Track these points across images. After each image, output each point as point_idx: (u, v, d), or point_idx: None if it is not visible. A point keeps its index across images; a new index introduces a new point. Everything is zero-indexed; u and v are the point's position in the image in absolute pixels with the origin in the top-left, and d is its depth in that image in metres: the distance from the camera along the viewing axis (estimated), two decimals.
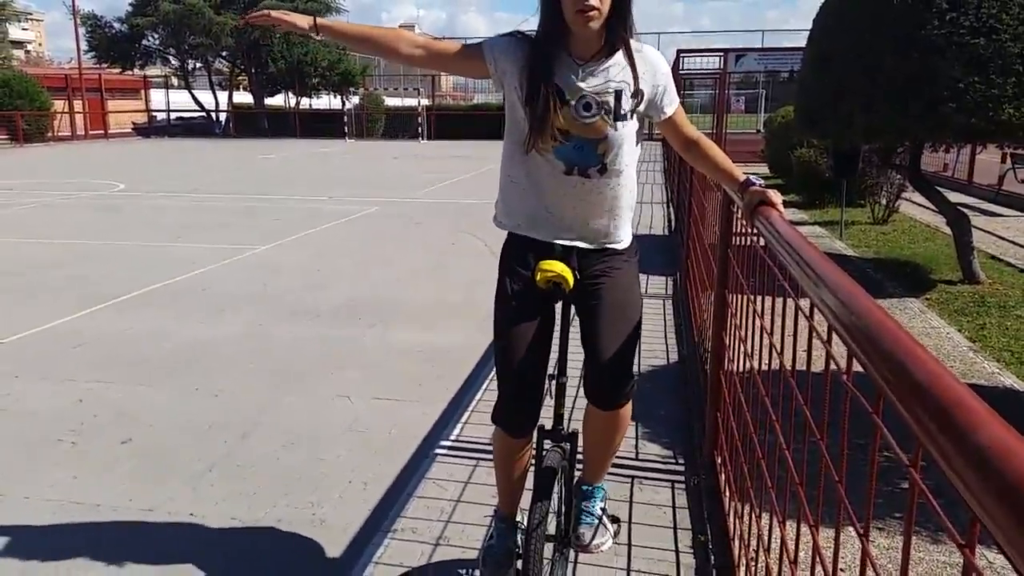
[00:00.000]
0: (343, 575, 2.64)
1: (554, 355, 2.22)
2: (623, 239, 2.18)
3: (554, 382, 2.21)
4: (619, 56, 1.97)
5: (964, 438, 0.61)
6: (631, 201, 2.16)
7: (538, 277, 2.04)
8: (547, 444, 2.25)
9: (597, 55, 1.96)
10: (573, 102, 1.95)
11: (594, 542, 2.29)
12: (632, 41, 1.98)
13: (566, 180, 2.02)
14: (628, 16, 1.94)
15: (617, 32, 1.93)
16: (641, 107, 2.03)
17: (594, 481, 2.40)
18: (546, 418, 2.25)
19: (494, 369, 4.42)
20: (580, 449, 2.36)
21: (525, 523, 2.09)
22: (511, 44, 2.00)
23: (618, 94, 1.97)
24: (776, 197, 1.99)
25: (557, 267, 2.03)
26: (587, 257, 2.13)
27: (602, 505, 2.39)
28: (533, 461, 2.27)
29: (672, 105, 2.10)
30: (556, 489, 2.16)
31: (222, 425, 3.88)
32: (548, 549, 2.19)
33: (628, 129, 2.02)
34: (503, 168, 2.15)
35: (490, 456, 3.18)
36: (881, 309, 1.01)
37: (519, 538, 2.20)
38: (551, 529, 2.22)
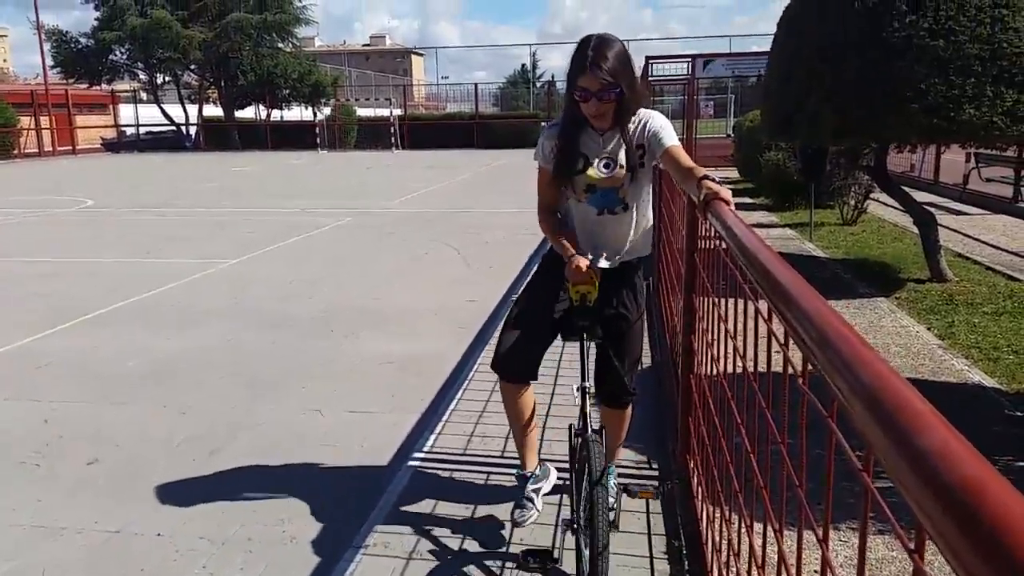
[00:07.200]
0: None
1: (576, 364, 2.77)
2: (641, 251, 2.86)
3: (580, 390, 2.63)
4: (626, 125, 2.62)
5: (907, 441, 0.60)
6: (647, 225, 2.85)
7: (572, 292, 2.61)
8: (579, 441, 2.56)
9: (611, 127, 2.63)
10: (597, 162, 2.65)
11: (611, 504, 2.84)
12: (641, 111, 2.64)
13: (599, 219, 2.73)
14: (631, 107, 2.58)
15: (622, 116, 2.58)
16: (646, 156, 2.66)
17: (612, 460, 2.97)
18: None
19: (473, 371, 4.56)
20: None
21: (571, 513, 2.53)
22: (549, 142, 2.70)
23: (627, 152, 2.64)
24: (726, 193, 2.26)
25: (584, 286, 2.59)
26: (607, 274, 2.73)
27: (613, 481, 2.97)
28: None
29: (670, 139, 2.62)
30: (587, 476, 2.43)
31: (191, 442, 3.82)
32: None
33: (640, 176, 2.69)
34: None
35: (466, 466, 3.54)
36: (834, 312, 1.00)
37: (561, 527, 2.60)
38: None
